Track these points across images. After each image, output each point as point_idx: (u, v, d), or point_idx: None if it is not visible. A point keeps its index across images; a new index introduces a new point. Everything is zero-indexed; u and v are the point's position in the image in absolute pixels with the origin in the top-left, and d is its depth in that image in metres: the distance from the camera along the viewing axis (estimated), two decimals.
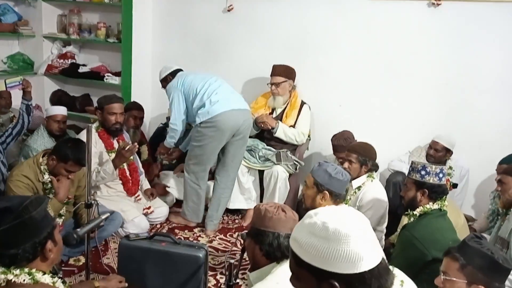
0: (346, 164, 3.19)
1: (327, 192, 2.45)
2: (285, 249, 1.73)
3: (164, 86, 3.83)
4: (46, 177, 2.90)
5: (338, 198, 2.47)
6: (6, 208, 1.54)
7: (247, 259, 2.03)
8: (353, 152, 3.21)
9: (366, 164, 3.19)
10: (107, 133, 3.50)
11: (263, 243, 1.76)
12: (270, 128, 3.97)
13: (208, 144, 3.46)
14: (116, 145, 3.53)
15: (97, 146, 3.44)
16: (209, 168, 3.64)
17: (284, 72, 4.00)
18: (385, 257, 1.16)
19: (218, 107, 3.41)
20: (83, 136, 3.25)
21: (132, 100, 4.41)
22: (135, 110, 4.17)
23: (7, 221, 1.52)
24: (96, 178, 3.36)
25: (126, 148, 3.36)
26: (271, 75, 4.02)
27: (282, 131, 3.97)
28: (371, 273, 1.08)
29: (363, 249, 1.08)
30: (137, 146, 3.54)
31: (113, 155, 3.46)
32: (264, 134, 4.07)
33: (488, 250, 1.65)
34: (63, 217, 2.98)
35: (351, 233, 1.07)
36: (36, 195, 1.81)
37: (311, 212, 1.16)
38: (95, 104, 4.84)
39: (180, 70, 3.82)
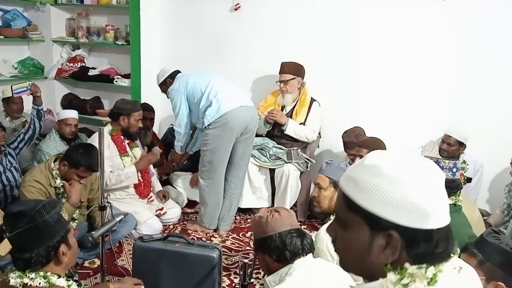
0: (357, 160, 3.16)
1: None
2: (291, 245, 1.76)
3: (164, 90, 3.79)
4: (58, 182, 2.91)
5: None
6: (20, 212, 1.55)
7: None
8: (364, 147, 3.19)
9: None
10: (122, 136, 3.53)
11: (270, 248, 1.79)
12: (279, 121, 3.94)
13: (219, 145, 3.44)
14: (128, 148, 3.56)
15: (110, 149, 3.45)
16: (223, 171, 3.56)
17: (292, 69, 3.97)
18: None
19: (226, 105, 3.39)
20: (95, 139, 3.26)
21: (142, 102, 4.42)
22: (145, 111, 4.17)
23: (20, 225, 1.54)
24: (115, 181, 3.38)
25: (152, 153, 3.50)
26: (279, 73, 4.00)
27: (292, 129, 3.95)
28: (439, 232, 0.90)
29: (436, 203, 0.90)
30: (160, 150, 3.61)
31: (126, 158, 3.48)
32: (274, 132, 4.05)
33: (507, 245, 1.62)
34: (76, 221, 2.99)
35: (426, 181, 0.90)
36: (50, 199, 1.82)
37: (370, 155, 0.96)
38: (106, 107, 4.89)
39: (178, 71, 3.76)
